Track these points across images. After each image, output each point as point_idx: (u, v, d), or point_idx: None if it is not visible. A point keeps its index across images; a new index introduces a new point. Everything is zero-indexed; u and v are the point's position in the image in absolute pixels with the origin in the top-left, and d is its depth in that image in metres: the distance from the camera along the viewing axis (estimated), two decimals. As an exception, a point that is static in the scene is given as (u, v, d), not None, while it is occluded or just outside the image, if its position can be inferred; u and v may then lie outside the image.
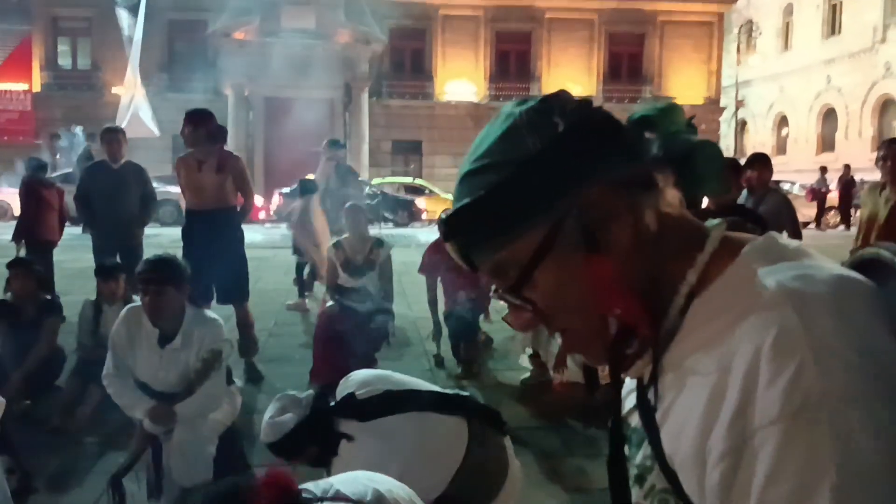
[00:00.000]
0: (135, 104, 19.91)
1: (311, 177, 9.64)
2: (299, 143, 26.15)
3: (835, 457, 0.63)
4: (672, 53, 30.11)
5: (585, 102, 0.82)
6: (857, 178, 20.96)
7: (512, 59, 30.89)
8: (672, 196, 0.81)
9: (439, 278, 6.08)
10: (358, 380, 2.79)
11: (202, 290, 5.66)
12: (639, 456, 0.83)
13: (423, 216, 21.85)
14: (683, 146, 0.82)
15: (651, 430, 0.80)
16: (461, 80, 30.22)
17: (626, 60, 30.63)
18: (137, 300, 4.23)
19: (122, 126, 8.70)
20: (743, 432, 0.67)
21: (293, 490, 1.76)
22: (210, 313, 3.58)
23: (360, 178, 9.48)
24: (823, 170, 22.15)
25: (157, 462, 3.32)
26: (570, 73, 29.72)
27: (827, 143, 31.98)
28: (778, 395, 0.66)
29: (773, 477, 0.65)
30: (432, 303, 6.17)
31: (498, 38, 30.44)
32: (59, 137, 18.23)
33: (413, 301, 8.62)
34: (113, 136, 6.62)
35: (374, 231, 5.95)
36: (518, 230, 0.79)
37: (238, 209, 6.00)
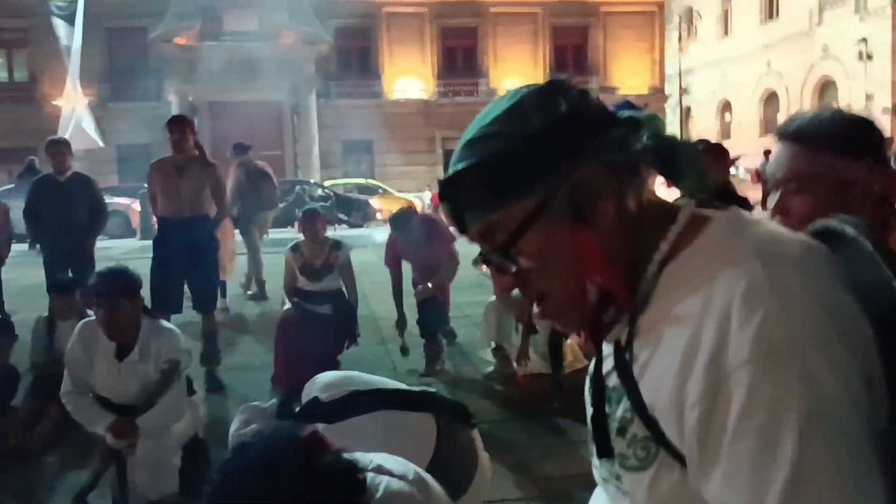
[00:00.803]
0: (77, 115, 19.49)
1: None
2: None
3: (800, 393, 0.71)
4: (616, 44, 30.54)
5: (585, 92, 0.91)
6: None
7: (459, 55, 31.01)
8: (652, 185, 0.91)
9: (413, 267, 6.09)
10: (322, 382, 2.79)
11: (173, 299, 5.60)
12: (619, 410, 0.89)
13: (378, 216, 21.80)
14: (666, 145, 0.90)
15: (629, 384, 0.87)
16: (409, 77, 30.22)
17: (572, 52, 30.99)
18: (92, 314, 4.17)
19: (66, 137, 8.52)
20: (718, 374, 0.74)
21: (335, 448, 1.77)
22: (166, 324, 3.53)
23: (273, 178, 9.77)
24: (767, 153, 22.54)
25: (121, 477, 3.27)
26: (517, 67, 29.94)
27: (770, 126, 32.67)
28: (748, 338, 0.73)
29: (745, 412, 0.72)
30: (397, 294, 6.16)
31: (444, 34, 30.53)
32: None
33: (373, 300, 8.60)
34: (57, 149, 6.48)
35: (328, 233, 5.89)
36: (513, 196, 0.87)
37: (211, 217, 5.93)
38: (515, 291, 0.93)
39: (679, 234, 0.88)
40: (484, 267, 0.95)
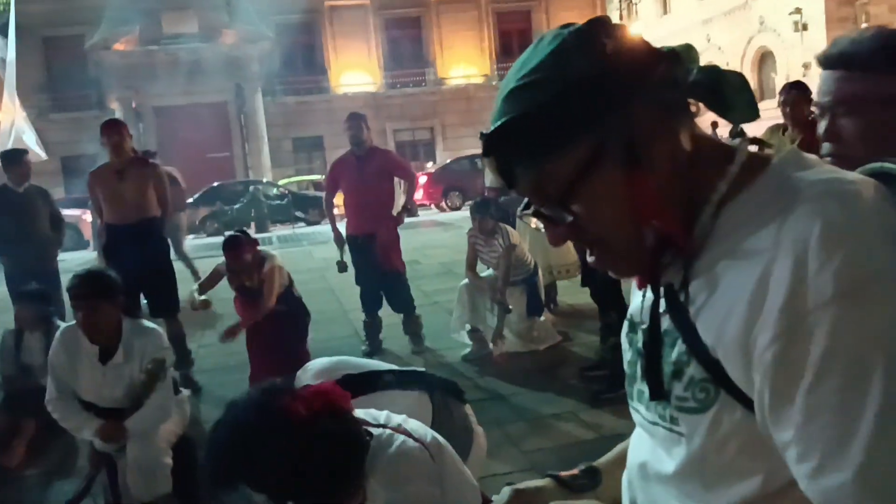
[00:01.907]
0: (16, 128, 18.87)
1: None
2: (197, 150, 25.53)
3: (887, 329, 0.69)
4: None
5: (624, 27, 0.86)
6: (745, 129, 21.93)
7: (404, 46, 30.93)
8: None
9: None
10: (315, 370, 2.80)
11: (130, 307, 5.49)
12: (673, 353, 0.87)
13: (336, 211, 21.68)
14: (713, 76, 0.87)
15: (684, 326, 0.85)
16: (356, 71, 30.06)
17: (517, 37, 31.08)
18: (61, 323, 4.10)
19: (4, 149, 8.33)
20: (796, 314, 0.72)
21: (338, 405, 1.79)
22: (148, 323, 3.49)
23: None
24: (714, 125, 23.02)
25: (113, 481, 3.24)
26: (464, 55, 30.00)
27: (713, 99, 33.31)
28: (829, 278, 0.70)
29: (829, 352, 0.70)
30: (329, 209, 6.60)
31: (388, 25, 30.41)
32: None
33: (341, 294, 8.59)
34: (16, 159, 6.36)
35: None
36: (565, 145, 0.83)
37: (158, 219, 5.84)
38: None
39: (737, 173, 0.85)
40: (534, 221, 0.93)
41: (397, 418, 2.04)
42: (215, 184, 22.33)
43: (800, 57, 27.76)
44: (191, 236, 18.36)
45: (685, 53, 0.88)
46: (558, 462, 3.69)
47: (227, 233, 5.53)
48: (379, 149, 6.34)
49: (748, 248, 0.79)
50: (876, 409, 0.68)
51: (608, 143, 0.83)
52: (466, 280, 5.74)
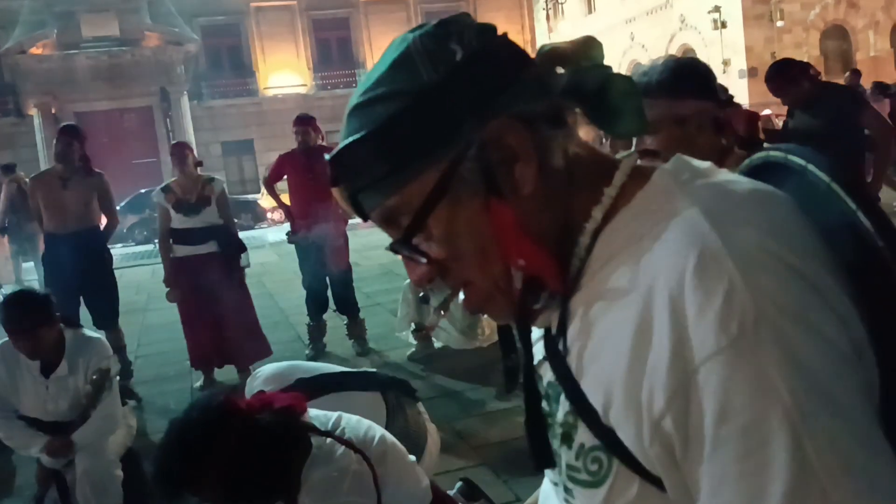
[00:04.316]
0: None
1: None
2: (122, 157, 24.85)
3: (784, 377, 0.58)
4: (487, 26, 31.05)
5: (488, 28, 0.74)
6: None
7: (334, 47, 30.72)
8: (583, 134, 0.75)
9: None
10: (265, 376, 2.80)
11: (69, 318, 5.36)
12: (560, 413, 0.74)
13: (269, 215, 21.42)
14: (595, 80, 0.74)
15: (566, 381, 0.73)
16: (284, 72, 29.70)
17: (445, 37, 31.24)
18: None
19: None
20: (685, 372, 0.61)
21: (281, 406, 1.87)
22: (90, 333, 3.42)
23: None
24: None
25: (63, 496, 3.16)
26: (393, 55, 29.94)
27: (638, 96, 34.10)
28: (711, 323, 0.60)
29: (722, 414, 0.59)
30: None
31: (316, 26, 30.15)
32: None
33: (281, 299, 8.52)
34: None
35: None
36: (410, 170, 0.71)
37: (102, 229, 5.71)
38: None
39: (616, 196, 0.72)
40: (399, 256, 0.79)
41: (346, 422, 2.08)
42: (142, 190, 21.77)
43: (720, 54, 28.65)
44: (119, 245, 17.90)
45: (572, 52, 0.75)
46: (511, 457, 3.78)
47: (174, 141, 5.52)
48: (327, 147, 6.32)
49: (621, 286, 0.68)
50: (783, 485, 0.57)
51: (460, 167, 0.70)
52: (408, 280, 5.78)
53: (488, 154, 0.70)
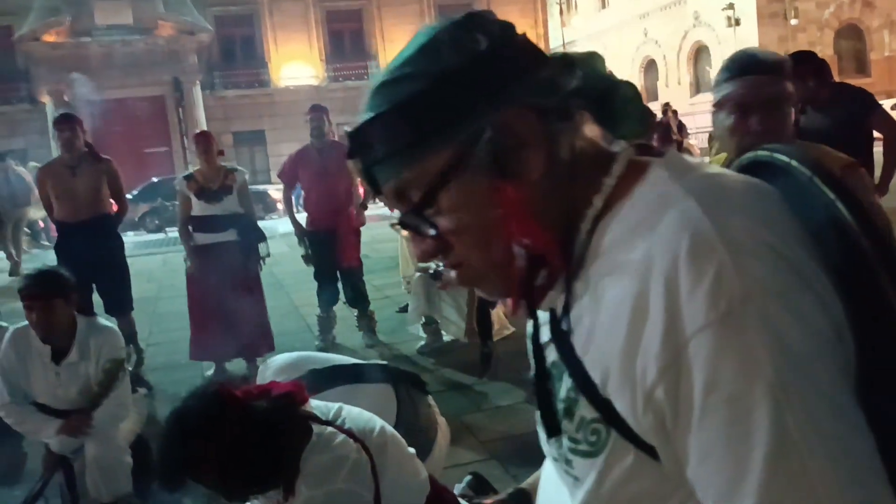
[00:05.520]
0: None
1: None
2: (134, 145, 24.92)
3: (767, 353, 0.63)
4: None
5: (509, 25, 0.80)
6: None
7: (346, 39, 30.71)
8: (588, 131, 0.80)
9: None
10: (277, 366, 2.81)
11: (84, 305, 5.39)
12: (563, 390, 0.80)
13: (279, 206, 21.46)
14: (602, 85, 0.81)
15: (570, 360, 0.78)
16: (297, 63, 29.72)
17: (457, 30, 31.14)
18: (8, 325, 3.99)
19: None
20: (676, 346, 0.66)
21: (281, 393, 1.88)
22: (104, 321, 3.43)
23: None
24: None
25: (70, 483, 3.18)
26: (406, 48, 29.89)
27: (650, 92, 33.91)
28: (702, 301, 0.65)
29: (710, 384, 0.64)
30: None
31: (329, 18, 30.15)
32: None
33: (291, 289, 8.54)
34: None
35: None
36: (427, 147, 0.76)
37: (113, 215, 5.73)
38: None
39: (615, 185, 0.78)
40: (404, 231, 0.86)
41: (346, 413, 2.08)
42: (154, 179, 21.88)
43: (733, 51, 28.53)
44: (131, 233, 17.97)
45: (584, 61, 0.82)
46: (519, 451, 3.78)
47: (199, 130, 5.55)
48: (339, 143, 6.32)
49: (621, 269, 0.73)
50: (764, 449, 0.62)
51: (474, 148, 0.76)
52: (419, 273, 5.78)
53: (501, 138, 0.75)
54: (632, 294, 0.70)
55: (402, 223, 0.81)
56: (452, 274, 0.84)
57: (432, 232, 0.79)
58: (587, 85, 0.80)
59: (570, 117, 0.79)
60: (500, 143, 0.75)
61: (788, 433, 0.62)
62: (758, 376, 0.63)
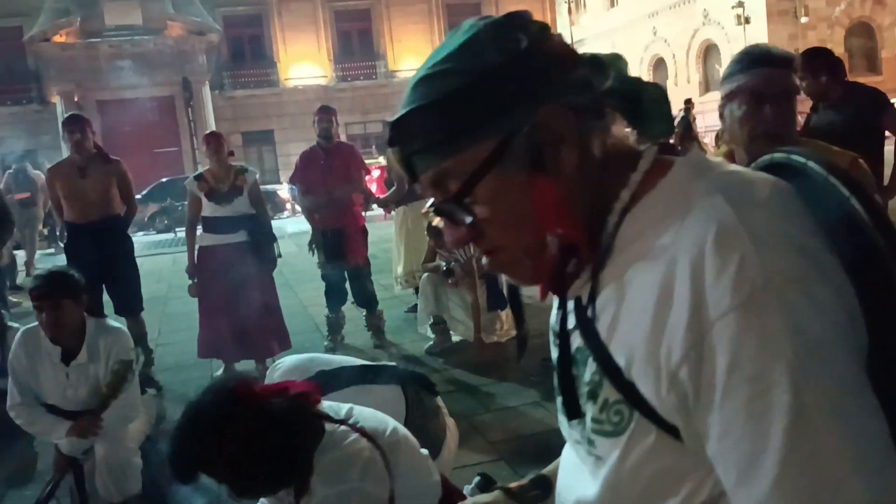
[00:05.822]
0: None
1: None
2: (143, 146, 25.00)
3: (787, 336, 0.68)
4: (509, 19, 30.87)
5: (546, 25, 0.84)
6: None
7: (355, 39, 30.74)
8: (617, 129, 0.85)
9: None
10: (285, 368, 2.81)
11: (93, 306, 5.41)
12: (587, 374, 0.84)
13: (288, 206, 21.52)
14: (632, 86, 0.85)
15: (595, 345, 0.82)
16: (305, 63, 29.77)
17: (467, 30, 31.10)
18: (19, 326, 4.01)
19: None
20: (700, 329, 0.70)
21: (293, 392, 1.89)
22: (113, 323, 3.44)
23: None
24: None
25: (80, 484, 3.19)
26: (414, 48, 29.89)
27: (659, 91, 33.88)
28: (726, 286, 0.69)
29: (733, 364, 0.69)
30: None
31: (338, 17, 30.18)
32: None
33: (299, 290, 8.55)
34: None
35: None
36: (468, 140, 0.80)
37: (123, 216, 5.74)
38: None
39: (640, 181, 0.82)
40: (436, 219, 0.88)
41: (358, 413, 2.08)
42: (164, 179, 21.95)
43: (743, 49, 28.45)
44: (140, 233, 18.05)
45: (611, 62, 0.85)
46: (526, 452, 3.78)
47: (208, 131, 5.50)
48: (345, 143, 6.31)
49: (647, 258, 0.77)
50: (784, 423, 0.67)
51: (512, 142, 0.80)
52: (427, 273, 5.77)
53: (539, 134, 0.79)
54: (658, 281, 0.74)
55: (438, 210, 0.85)
56: (484, 260, 0.89)
57: (468, 220, 0.83)
58: (619, 85, 0.84)
59: (603, 116, 0.83)
60: (538, 138, 0.79)
61: (807, 411, 0.66)
62: (778, 357, 0.67)
